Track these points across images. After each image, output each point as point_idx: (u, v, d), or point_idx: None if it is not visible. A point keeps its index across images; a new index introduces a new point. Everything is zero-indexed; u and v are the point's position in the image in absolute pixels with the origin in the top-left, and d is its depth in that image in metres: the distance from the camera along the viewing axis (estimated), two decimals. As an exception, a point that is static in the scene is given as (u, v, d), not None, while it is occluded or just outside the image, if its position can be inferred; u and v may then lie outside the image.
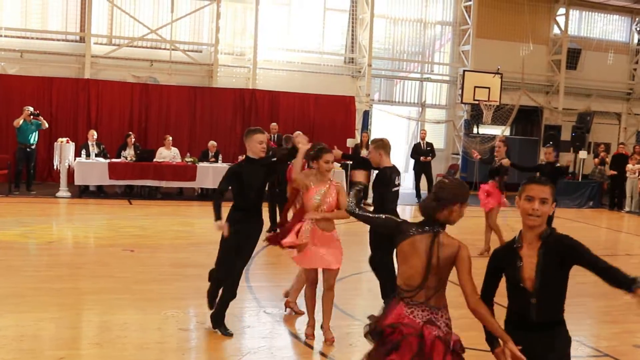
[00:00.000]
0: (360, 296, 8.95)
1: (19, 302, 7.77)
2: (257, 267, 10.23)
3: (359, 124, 21.51)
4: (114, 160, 17.31)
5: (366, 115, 21.95)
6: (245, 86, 20.84)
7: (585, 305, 9.23)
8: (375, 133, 25.90)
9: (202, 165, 17.45)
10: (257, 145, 6.96)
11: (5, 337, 6.60)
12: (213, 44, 20.57)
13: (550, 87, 24.63)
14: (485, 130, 23.41)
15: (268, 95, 20.69)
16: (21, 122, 16.77)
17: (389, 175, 7.32)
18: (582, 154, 22.32)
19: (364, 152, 18.44)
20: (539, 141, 24.34)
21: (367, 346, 7.04)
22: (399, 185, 7.52)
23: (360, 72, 22.13)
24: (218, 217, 6.73)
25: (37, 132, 17.16)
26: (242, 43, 21.11)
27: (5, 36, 19.35)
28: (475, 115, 22.84)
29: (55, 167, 17.33)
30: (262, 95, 20.63)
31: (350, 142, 19.43)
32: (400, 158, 23.39)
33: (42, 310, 7.52)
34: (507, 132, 23.35)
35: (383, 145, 7.51)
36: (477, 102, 22.06)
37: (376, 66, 22.51)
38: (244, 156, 7.58)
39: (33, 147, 17.13)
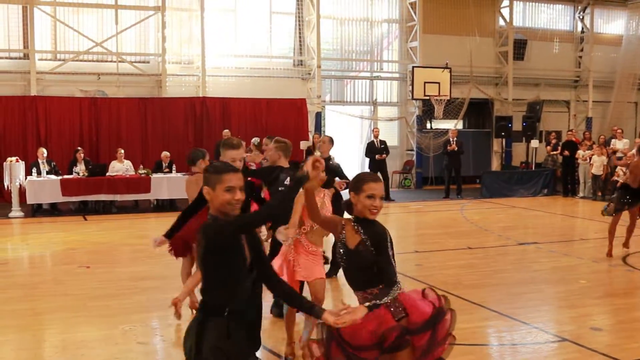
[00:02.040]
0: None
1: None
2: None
3: (311, 126, 21.52)
4: (66, 177, 17.06)
5: (318, 116, 21.98)
6: (195, 94, 20.70)
7: (542, 292, 9.36)
8: (329, 134, 25.95)
9: (156, 176, 17.31)
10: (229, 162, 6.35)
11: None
12: (160, 53, 20.39)
13: (499, 79, 24.92)
14: (438, 124, 23.61)
15: (219, 102, 20.59)
16: None
17: (277, 174, 7.23)
18: (534, 142, 22.62)
19: (317, 154, 18.43)
20: (491, 132, 24.61)
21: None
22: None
23: (310, 74, 22.13)
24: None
25: None
26: (190, 51, 20.96)
27: (-53, 57, 18.97)
28: (427, 110, 23.00)
29: (6, 187, 17.05)
30: (213, 102, 20.52)
31: (303, 145, 19.40)
32: (355, 157, 23.46)
33: (-3, 333, 7.36)
34: (459, 126, 23.58)
35: (284, 147, 7.36)
36: (428, 98, 22.22)
37: (325, 67, 22.52)
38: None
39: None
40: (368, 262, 4.22)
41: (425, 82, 22.08)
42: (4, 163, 16.85)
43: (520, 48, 24.81)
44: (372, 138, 20.60)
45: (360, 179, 4.35)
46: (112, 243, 13.27)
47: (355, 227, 4.32)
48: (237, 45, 21.36)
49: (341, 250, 4.35)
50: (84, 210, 17.50)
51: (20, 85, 19.50)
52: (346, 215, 4.48)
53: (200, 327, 3.66)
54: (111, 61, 20.27)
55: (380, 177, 4.49)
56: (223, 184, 3.68)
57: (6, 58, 19.66)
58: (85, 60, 20.13)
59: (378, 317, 4.19)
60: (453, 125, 22.74)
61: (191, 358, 3.67)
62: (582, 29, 26.44)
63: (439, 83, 22.15)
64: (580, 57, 26.43)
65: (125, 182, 17.13)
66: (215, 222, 3.66)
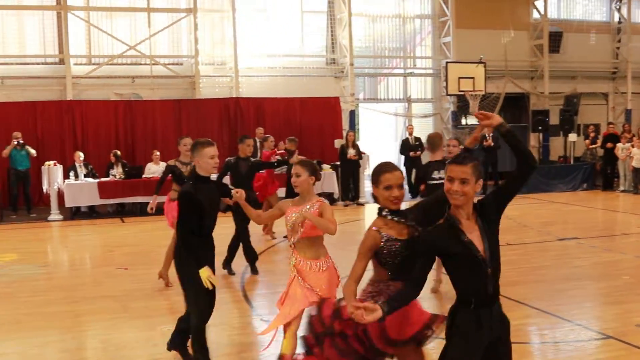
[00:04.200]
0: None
1: (17, 328, 7.68)
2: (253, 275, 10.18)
3: (345, 124, 21.43)
4: (103, 179, 17.21)
5: (352, 114, 21.91)
6: (229, 95, 20.75)
7: (584, 289, 9.20)
8: (363, 132, 25.93)
9: (192, 177, 17.36)
10: (208, 160, 5.97)
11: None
12: (193, 55, 20.48)
13: (534, 73, 24.61)
14: (473, 120, 23.38)
15: (252, 102, 20.61)
16: (9, 152, 17.03)
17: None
18: (572, 136, 22.31)
19: (350, 152, 18.39)
20: (527, 127, 24.31)
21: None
22: None
23: (343, 72, 22.07)
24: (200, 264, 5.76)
25: (28, 156, 17.21)
26: (222, 52, 21.02)
27: (-15, 64, 19.25)
28: (462, 106, 22.80)
29: (44, 190, 17.27)
30: (247, 102, 20.55)
31: (337, 143, 19.36)
32: (390, 155, 23.35)
33: (40, 335, 7.43)
34: (494, 121, 23.31)
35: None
36: (462, 93, 22.01)
37: (358, 65, 22.45)
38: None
39: (26, 171, 17.20)
40: None
41: (459, 78, 21.87)
42: (43, 167, 17.06)
43: (555, 40, 24.47)
44: (407, 135, 20.49)
45: (376, 171, 4.35)
46: (150, 244, 13.32)
47: (394, 219, 4.28)
48: (269, 45, 21.36)
49: (397, 246, 4.24)
50: (122, 212, 17.63)
51: (56, 90, 19.72)
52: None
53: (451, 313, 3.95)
54: (145, 64, 20.40)
55: (397, 166, 4.42)
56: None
57: (42, 64, 19.92)
58: (119, 64, 20.29)
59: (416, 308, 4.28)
60: (489, 120, 22.49)
61: None
62: (619, 19, 25.99)
63: (473, 78, 21.93)
64: (618, 48, 25.99)
65: (162, 184, 17.15)
66: None
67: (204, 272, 5.67)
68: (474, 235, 3.84)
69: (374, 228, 4.25)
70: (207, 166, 5.95)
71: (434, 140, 8.59)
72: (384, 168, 4.34)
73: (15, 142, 16.99)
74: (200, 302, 5.85)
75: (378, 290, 4.31)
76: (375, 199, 4.37)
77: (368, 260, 4.28)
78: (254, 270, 10.26)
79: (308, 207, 5.47)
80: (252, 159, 10.83)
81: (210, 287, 5.66)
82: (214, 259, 6.10)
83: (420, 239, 4.04)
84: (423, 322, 4.35)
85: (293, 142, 14.85)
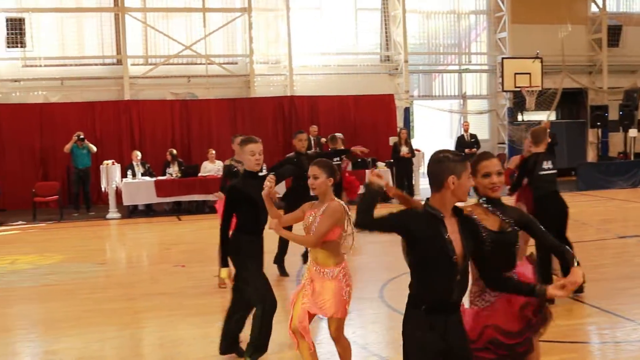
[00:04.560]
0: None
1: (76, 324, 7.81)
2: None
3: (400, 122, 21.32)
4: (160, 178, 17.45)
5: (407, 112, 21.80)
6: (284, 93, 20.83)
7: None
8: (418, 129, 25.77)
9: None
10: (249, 157, 6.09)
11: (64, 360, 6.65)
12: (248, 54, 20.62)
13: (593, 67, 24.13)
14: (529, 116, 23.01)
15: (307, 100, 20.65)
16: (70, 147, 17.34)
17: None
18: (632, 132, 21.81)
19: (403, 150, 18.28)
20: (586, 123, 23.85)
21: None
22: None
23: (397, 69, 21.96)
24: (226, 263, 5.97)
25: (89, 155, 17.56)
26: (277, 51, 21.12)
27: (45, 66, 19.68)
28: (519, 102, 22.47)
29: (103, 189, 17.58)
30: (301, 101, 20.60)
31: (392, 141, 19.28)
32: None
33: (99, 331, 7.55)
34: (552, 117, 22.95)
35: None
36: (518, 89, 21.71)
37: (413, 62, 22.33)
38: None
39: (86, 170, 17.56)
40: (513, 242, 4.20)
41: (515, 74, 21.57)
42: (101, 166, 17.37)
43: (614, 34, 23.95)
44: (462, 132, 20.29)
45: (474, 160, 4.31)
46: (206, 242, 13.41)
47: (489, 209, 4.25)
48: (323, 43, 21.39)
49: (483, 235, 4.14)
50: (178, 210, 17.84)
51: (114, 90, 20.06)
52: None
53: (408, 316, 3.80)
54: (200, 63, 20.62)
55: (493, 154, 4.41)
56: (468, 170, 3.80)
57: (100, 65, 20.31)
58: (175, 64, 20.56)
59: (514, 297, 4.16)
60: (546, 116, 22.15)
61: None
62: (681, 11, 25.33)
63: (529, 74, 21.60)
64: (680, 40, 25.33)
65: (217, 182, 17.31)
66: None
67: (223, 272, 5.86)
68: (454, 235, 3.74)
69: (468, 209, 4.22)
70: (250, 162, 6.07)
71: (538, 134, 8.59)
72: (482, 156, 4.36)
73: (76, 137, 17.37)
74: (265, 295, 5.94)
75: (481, 289, 4.26)
76: (476, 190, 4.34)
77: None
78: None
79: (323, 209, 5.26)
80: (309, 152, 10.68)
81: (224, 287, 5.77)
82: (262, 256, 6.17)
83: (396, 213, 3.89)
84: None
85: (334, 140, 14.72)
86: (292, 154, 10.73)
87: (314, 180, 5.29)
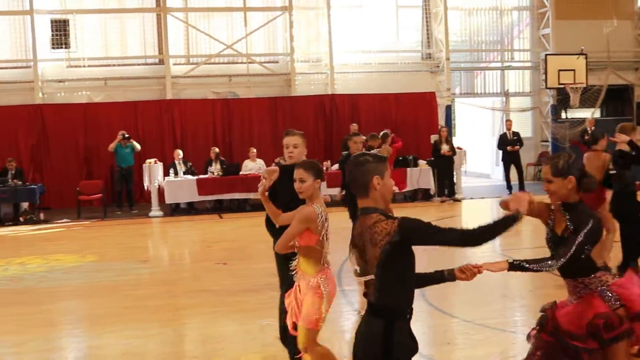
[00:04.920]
0: (456, 293, 8.69)
1: (120, 320, 7.89)
2: (349, 270, 10.10)
3: (441, 120, 21.15)
4: (201, 176, 17.57)
5: (448, 110, 21.63)
6: (324, 92, 20.81)
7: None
8: (459, 127, 25.58)
9: (287, 174, 17.49)
10: (285, 150, 6.04)
11: (109, 355, 6.71)
12: (289, 53, 20.63)
13: (639, 63, 23.68)
14: (573, 114, 22.65)
15: (348, 99, 20.59)
16: (115, 145, 17.55)
17: None
18: (680, 129, 21.34)
19: (444, 148, 18.14)
20: (632, 120, 23.41)
21: (465, 345, 6.88)
22: None
23: (438, 66, 21.79)
24: None
25: (132, 154, 17.74)
26: (317, 49, 21.10)
27: (89, 66, 19.92)
28: (562, 99, 22.14)
29: (145, 187, 17.75)
30: (342, 99, 20.55)
31: (433, 139, 19.13)
32: (487, 150, 22.96)
33: (141, 327, 7.61)
34: (597, 114, 22.56)
35: None
36: (562, 86, 21.38)
37: (454, 59, 22.12)
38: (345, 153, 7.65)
39: (129, 168, 17.74)
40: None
41: (559, 70, 21.25)
42: (144, 165, 17.54)
43: (662, 29, 23.48)
44: (505, 130, 20.08)
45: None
46: (247, 240, 13.49)
47: (563, 212, 4.25)
48: (364, 41, 21.30)
49: (549, 235, 4.25)
50: (220, 208, 17.94)
51: (156, 89, 20.23)
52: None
53: (388, 331, 3.58)
54: (241, 62, 20.68)
55: (548, 159, 4.35)
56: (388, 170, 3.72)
57: (143, 64, 20.48)
58: (216, 63, 20.64)
59: (591, 305, 4.10)
60: (590, 114, 21.78)
61: None
62: None
63: (574, 70, 21.26)
64: None
65: (259, 180, 17.31)
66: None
67: None
68: None
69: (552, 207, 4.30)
70: (285, 155, 6.06)
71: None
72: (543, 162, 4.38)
73: (121, 136, 17.57)
74: None
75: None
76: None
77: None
78: None
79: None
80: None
81: None
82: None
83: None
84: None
85: (375, 139, 14.67)
86: (345, 153, 10.69)
87: (301, 184, 5.05)
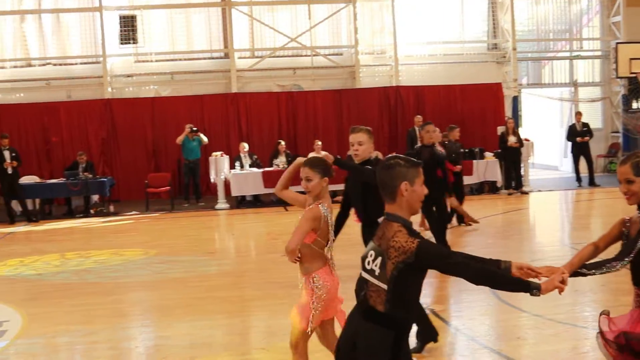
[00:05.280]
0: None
1: (188, 311, 7.99)
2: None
3: (508, 111, 20.81)
4: (267, 169, 17.68)
5: (515, 101, 21.28)
6: (389, 84, 20.70)
7: None
8: (526, 118, 25.14)
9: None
10: (350, 147, 5.96)
11: (177, 345, 6.81)
12: (353, 45, 20.58)
13: None
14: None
15: (412, 90, 20.44)
16: (183, 138, 17.70)
17: None
18: None
19: (511, 139, 17.85)
20: None
21: (536, 340, 6.77)
22: None
23: (505, 57, 21.44)
24: None
25: (199, 147, 17.95)
26: (382, 41, 21.01)
27: (156, 61, 20.27)
28: (634, 89, 21.54)
29: (212, 180, 17.96)
30: (407, 91, 20.41)
31: (500, 130, 18.86)
32: (556, 142, 22.52)
33: (209, 318, 7.70)
34: (670, 104, 21.92)
35: None
36: (634, 75, 20.83)
37: (521, 49, 21.75)
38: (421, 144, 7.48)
39: (196, 161, 17.97)
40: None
41: (630, 59, 20.70)
42: (210, 158, 17.75)
43: None
44: (574, 121, 19.67)
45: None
46: (312, 232, 13.54)
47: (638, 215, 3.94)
48: (429, 32, 21.11)
49: (625, 242, 3.96)
50: (284, 201, 17.96)
51: (222, 83, 20.44)
52: None
53: (397, 342, 3.52)
54: (306, 55, 20.74)
55: (625, 159, 3.95)
56: (421, 177, 3.57)
57: (208, 58, 20.72)
58: (281, 56, 20.75)
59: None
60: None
61: None
62: None
63: (646, 59, 20.71)
64: None
65: (323, 173, 17.42)
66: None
67: None
68: None
69: (626, 217, 4.02)
70: (351, 153, 5.97)
71: None
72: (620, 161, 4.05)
73: (189, 129, 17.81)
74: None
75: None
76: None
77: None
78: None
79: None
80: (438, 149, 10.03)
81: None
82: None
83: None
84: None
85: (453, 130, 14.56)
86: (418, 145, 10.58)
87: (307, 183, 4.98)
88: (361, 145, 5.80)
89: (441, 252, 3.52)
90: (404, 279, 3.43)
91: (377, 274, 3.49)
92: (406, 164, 3.55)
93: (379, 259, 3.48)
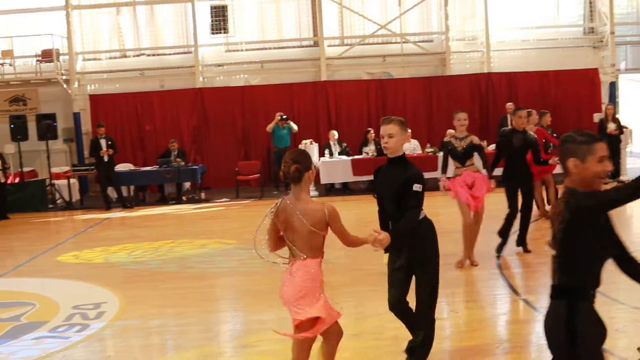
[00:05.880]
0: (623, 278, 8.23)
1: (277, 297, 8.00)
2: (510, 252, 9.84)
3: (605, 97, 20.13)
4: (356, 157, 17.65)
5: (612, 87, 20.55)
6: (480, 70, 20.33)
7: None
8: (624, 105, 24.26)
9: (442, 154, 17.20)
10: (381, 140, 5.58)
11: (268, 329, 6.84)
12: (443, 31, 20.29)
13: None
14: None
15: (504, 77, 20.01)
16: (273, 126, 17.78)
17: None
18: None
19: (610, 126, 17.26)
20: None
21: (635, 332, 6.50)
22: None
23: (602, 41, 20.72)
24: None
25: (289, 135, 18.05)
26: (473, 27, 20.63)
27: (246, 50, 20.50)
28: None
29: (301, 168, 18.00)
30: (499, 77, 19.99)
31: (596, 117, 18.27)
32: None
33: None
34: None
35: None
36: None
37: (620, 33, 20.96)
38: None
39: (286, 149, 18.06)
40: None
41: None
42: (299, 146, 17.80)
43: None
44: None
45: None
46: (402, 221, 13.44)
47: None
48: (522, 17, 20.60)
49: None
50: (373, 189, 17.90)
51: (311, 71, 20.49)
52: None
53: (571, 314, 3.40)
54: (395, 42, 20.57)
55: None
56: (595, 154, 3.42)
57: (298, 47, 20.81)
58: (370, 44, 20.65)
59: None
60: None
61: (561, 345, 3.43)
62: None
63: None
64: None
65: (413, 161, 17.21)
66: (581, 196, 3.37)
67: (386, 257, 5.64)
68: None
69: None
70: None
71: None
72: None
73: (279, 117, 17.91)
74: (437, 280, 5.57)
75: None
76: None
77: None
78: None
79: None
80: (531, 134, 9.76)
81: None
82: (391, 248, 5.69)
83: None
84: None
85: (544, 115, 14.16)
86: (507, 128, 10.32)
87: (389, 139, 5.27)
88: (392, 138, 5.39)
89: (594, 197, 3.37)
90: (570, 241, 3.35)
91: (553, 246, 3.45)
92: (578, 139, 3.44)
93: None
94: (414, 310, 5.55)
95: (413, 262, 5.48)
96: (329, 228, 4.86)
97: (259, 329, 6.93)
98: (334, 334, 4.96)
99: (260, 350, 6.41)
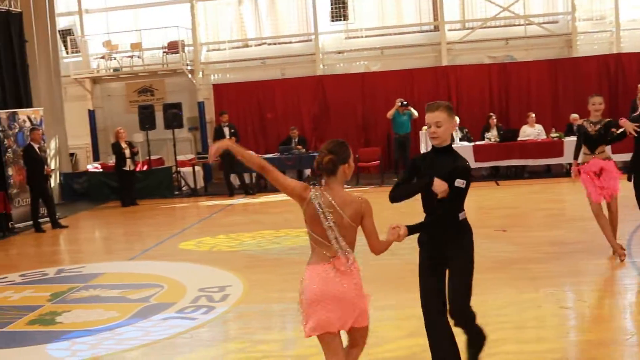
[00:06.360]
0: None
1: (399, 284, 7.97)
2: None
3: None
4: (478, 142, 17.35)
5: None
6: (609, 51, 19.47)
7: None
8: None
9: (569, 139, 16.63)
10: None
11: (389, 317, 6.82)
12: (569, 12, 19.56)
13: None
14: None
15: (636, 57, 19.05)
16: (393, 113, 17.69)
17: None
18: None
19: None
20: None
21: None
22: None
23: None
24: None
25: (410, 121, 17.90)
26: (602, 6, 19.77)
27: (366, 36, 20.47)
28: None
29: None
30: (629, 58, 19.06)
31: None
32: None
33: (415, 291, 7.63)
34: None
35: None
36: None
37: None
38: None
39: (407, 135, 17.93)
40: None
41: None
42: (420, 132, 17.71)
43: None
44: None
45: None
46: (526, 207, 13.16)
47: None
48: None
49: None
50: (496, 175, 17.60)
51: (431, 56, 20.25)
52: None
53: None
54: (519, 25, 20.04)
55: None
56: None
57: (418, 32, 20.62)
58: (492, 27, 20.20)
59: None
60: None
61: None
62: None
63: None
64: None
65: (537, 146, 16.86)
66: None
67: None
68: None
69: None
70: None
71: None
72: None
73: (399, 103, 17.78)
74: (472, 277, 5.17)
75: None
76: None
77: None
78: None
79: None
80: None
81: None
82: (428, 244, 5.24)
83: None
84: None
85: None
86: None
87: (437, 129, 4.72)
88: (439, 127, 4.79)
89: None
90: None
91: None
92: None
93: None
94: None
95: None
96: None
97: (383, 317, 6.91)
98: (364, 336, 4.55)
99: (380, 335, 6.38)
